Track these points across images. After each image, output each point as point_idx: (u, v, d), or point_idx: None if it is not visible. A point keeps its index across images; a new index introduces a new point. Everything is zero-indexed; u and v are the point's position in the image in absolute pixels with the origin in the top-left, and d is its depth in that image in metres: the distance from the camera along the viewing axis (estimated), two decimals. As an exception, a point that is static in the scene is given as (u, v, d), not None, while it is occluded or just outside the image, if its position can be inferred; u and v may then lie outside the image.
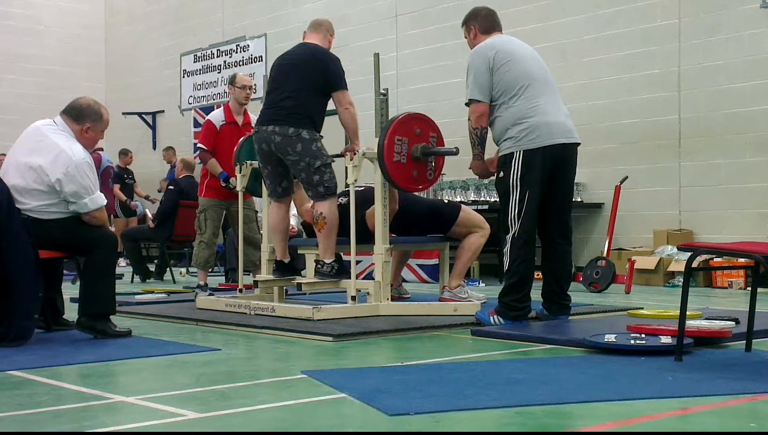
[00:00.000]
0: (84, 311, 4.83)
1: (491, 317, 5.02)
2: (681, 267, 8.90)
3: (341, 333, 4.76)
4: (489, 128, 5.15)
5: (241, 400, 3.07)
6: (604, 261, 8.32)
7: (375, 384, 3.32)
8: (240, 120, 7.11)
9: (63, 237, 4.79)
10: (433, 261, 9.71)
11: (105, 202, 4.91)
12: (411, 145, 5.58)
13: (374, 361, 4.17)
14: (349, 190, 5.90)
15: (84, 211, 4.78)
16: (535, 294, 5.18)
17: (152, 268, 10.64)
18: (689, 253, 3.86)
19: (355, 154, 5.65)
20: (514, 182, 4.97)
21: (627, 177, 8.98)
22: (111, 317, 4.90)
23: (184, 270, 11.53)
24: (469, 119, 5.13)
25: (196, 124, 15.67)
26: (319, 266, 5.68)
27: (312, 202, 5.87)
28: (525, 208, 4.95)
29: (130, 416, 2.88)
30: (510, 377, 3.47)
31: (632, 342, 4.12)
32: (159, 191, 14.24)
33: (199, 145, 7.12)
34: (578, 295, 7.56)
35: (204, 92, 15.54)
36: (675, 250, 9.06)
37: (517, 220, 4.96)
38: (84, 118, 4.90)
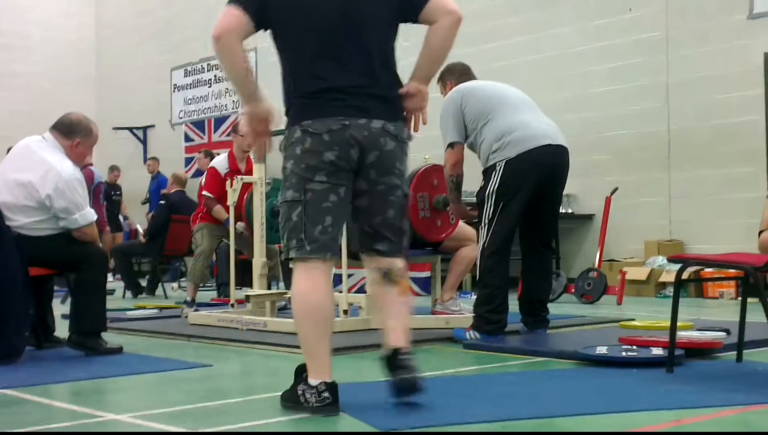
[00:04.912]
0: (75, 328, 4.81)
1: (467, 333, 5.00)
2: (672, 277, 8.87)
3: (333, 347, 4.74)
4: (478, 153, 5.17)
5: (232, 417, 3.07)
6: (595, 272, 8.34)
7: (368, 399, 3.30)
8: (243, 167, 7.15)
9: (53, 254, 4.78)
10: (425, 273, 9.71)
11: (95, 217, 4.90)
12: (432, 198, 5.72)
13: (367, 376, 4.15)
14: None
15: (74, 226, 4.77)
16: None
17: (143, 283, 10.61)
18: (680, 265, 3.87)
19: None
20: (490, 192, 4.98)
21: (617, 188, 9.00)
22: (102, 334, 4.88)
23: (175, 284, 11.51)
24: (444, 165, 5.20)
25: (187, 138, 15.69)
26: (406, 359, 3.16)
27: None
28: (497, 219, 4.95)
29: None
30: (501, 391, 3.47)
31: (624, 354, 4.13)
32: (143, 203, 14.19)
33: (204, 193, 7.15)
34: (570, 306, 7.59)
35: (195, 106, 15.56)
36: (666, 260, 9.09)
37: (488, 231, 4.97)
38: (74, 134, 4.90)
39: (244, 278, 8.99)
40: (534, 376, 3.96)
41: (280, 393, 3.50)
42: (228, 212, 6.79)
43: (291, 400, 3.10)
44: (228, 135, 13.73)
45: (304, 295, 3.07)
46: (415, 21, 3.18)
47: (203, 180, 7.54)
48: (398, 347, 3.10)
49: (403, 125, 3.19)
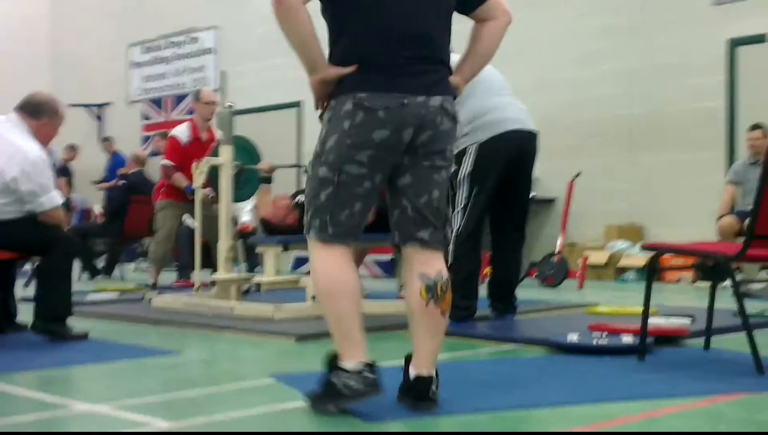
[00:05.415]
0: (40, 314, 4.73)
1: None
2: (631, 262, 9.06)
3: (304, 334, 4.73)
4: None
5: (213, 407, 3.03)
6: (557, 256, 8.41)
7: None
8: (204, 136, 7.03)
9: (18, 237, 4.68)
10: (388, 256, 9.74)
11: (62, 200, 4.81)
12: None
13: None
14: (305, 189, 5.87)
15: (40, 210, 4.68)
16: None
17: (100, 264, 10.47)
18: (653, 253, 3.91)
19: None
20: (463, 177, 4.97)
21: (580, 172, 9.06)
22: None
23: (132, 266, 11.38)
24: None
25: (145, 116, 15.48)
26: (435, 393, 2.94)
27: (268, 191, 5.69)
28: (470, 204, 4.95)
29: (101, 426, 2.82)
30: (479, 379, 3.48)
31: (595, 342, 4.16)
32: (96, 183, 13.89)
33: (164, 161, 7.02)
34: (532, 290, 7.64)
35: (153, 84, 15.34)
36: (626, 245, 9.20)
37: (461, 217, 4.96)
38: (41, 114, 4.80)
39: (204, 261, 8.92)
40: (509, 364, 3.97)
41: (255, 383, 3.49)
42: (190, 181, 6.65)
43: (327, 395, 2.83)
44: (188, 113, 13.57)
45: (331, 274, 2.84)
46: (469, 13, 3.00)
47: (164, 149, 7.38)
48: (431, 376, 2.88)
49: (454, 103, 2.94)
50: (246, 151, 6.68)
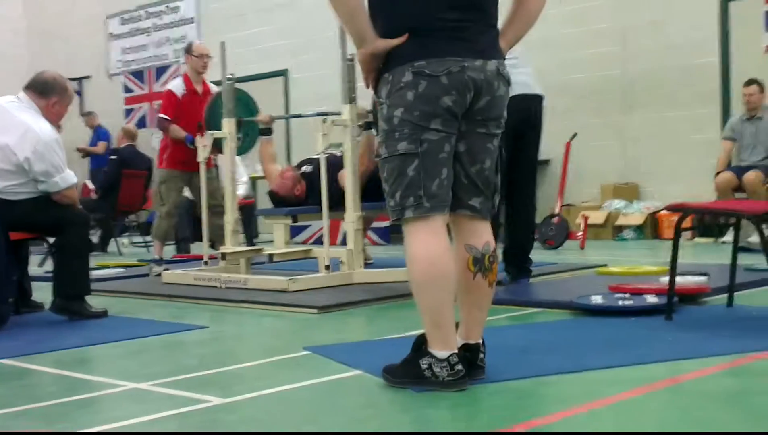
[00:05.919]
0: (58, 293, 4.70)
1: None
2: (628, 221, 9.11)
3: (325, 304, 4.73)
4: None
5: (260, 382, 3.03)
6: (557, 217, 8.44)
7: (385, 359, 3.29)
8: (199, 88, 6.94)
9: (33, 218, 4.64)
10: (385, 223, 9.73)
11: (75, 180, 4.76)
12: None
13: (370, 334, 4.16)
14: (311, 159, 5.87)
15: (54, 190, 4.63)
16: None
17: (94, 240, 10.39)
18: (680, 213, 3.94)
19: None
20: None
21: (576, 133, 9.09)
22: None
23: (126, 241, 11.31)
24: None
25: (126, 89, 15.29)
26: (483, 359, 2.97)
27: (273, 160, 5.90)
28: None
29: (155, 404, 2.80)
30: (516, 345, 3.48)
31: (620, 303, 4.19)
32: (82, 157, 13.72)
33: (160, 115, 6.91)
34: (534, 253, 7.64)
35: (133, 56, 15.13)
36: (622, 203, 9.26)
37: None
38: (50, 93, 4.74)
39: (198, 233, 8.87)
40: (541, 328, 3.99)
41: (293, 355, 3.49)
42: (189, 132, 6.63)
43: (410, 376, 2.79)
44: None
45: (431, 259, 2.72)
46: None
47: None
48: (478, 344, 2.89)
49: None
50: (243, 103, 6.65)
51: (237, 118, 6.37)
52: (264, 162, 6.60)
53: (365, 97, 5.90)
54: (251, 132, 6.73)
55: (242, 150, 6.75)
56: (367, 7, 2.83)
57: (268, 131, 6.52)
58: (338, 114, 5.67)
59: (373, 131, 5.70)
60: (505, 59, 2.88)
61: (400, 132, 2.74)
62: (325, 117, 5.56)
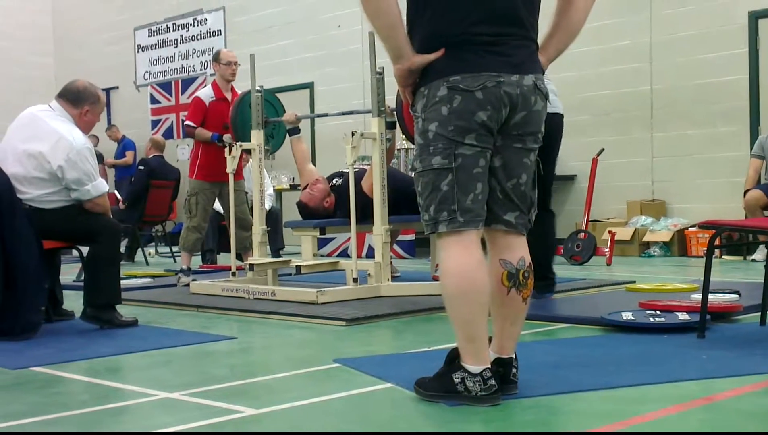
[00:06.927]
0: (89, 301, 4.72)
1: None
2: (655, 237, 9.06)
3: (353, 317, 4.73)
4: None
5: (291, 393, 3.02)
6: (584, 233, 8.41)
7: (415, 372, 3.27)
8: (229, 96, 7.00)
9: (65, 226, 4.68)
10: (410, 237, 9.74)
11: (107, 188, 4.80)
12: None
13: (398, 347, 4.15)
14: (342, 172, 5.88)
15: (86, 198, 4.67)
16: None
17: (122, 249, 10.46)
18: (713, 230, 3.91)
19: None
20: None
21: (603, 149, 9.06)
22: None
23: (152, 250, 11.37)
24: None
25: (153, 100, 15.40)
26: (516, 374, 2.95)
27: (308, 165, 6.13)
28: None
29: (187, 414, 2.81)
30: (547, 361, 3.47)
31: (651, 320, 4.16)
32: (108, 168, 13.84)
33: (186, 122, 6.97)
34: (559, 268, 7.61)
35: (160, 67, 15.24)
36: (649, 220, 9.21)
37: None
38: (82, 102, 4.78)
39: (222, 244, 8.91)
40: (570, 344, 3.96)
41: (323, 367, 3.49)
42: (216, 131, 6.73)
43: (442, 389, 2.78)
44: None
45: (466, 273, 2.71)
46: None
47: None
48: (511, 358, 2.87)
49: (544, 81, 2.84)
50: (268, 103, 6.70)
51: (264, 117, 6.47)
52: (298, 162, 6.62)
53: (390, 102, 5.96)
54: (277, 133, 6.81)
55: (271, 150, 6.83)
56: (405, 22, 2.82)
57: (295, 130, 6.57)
58: (367, 112, 5.76)
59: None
60: (543, 73, 2.86)
61: (434, 146, 2.74)
62: (354, 131, 5.57)
